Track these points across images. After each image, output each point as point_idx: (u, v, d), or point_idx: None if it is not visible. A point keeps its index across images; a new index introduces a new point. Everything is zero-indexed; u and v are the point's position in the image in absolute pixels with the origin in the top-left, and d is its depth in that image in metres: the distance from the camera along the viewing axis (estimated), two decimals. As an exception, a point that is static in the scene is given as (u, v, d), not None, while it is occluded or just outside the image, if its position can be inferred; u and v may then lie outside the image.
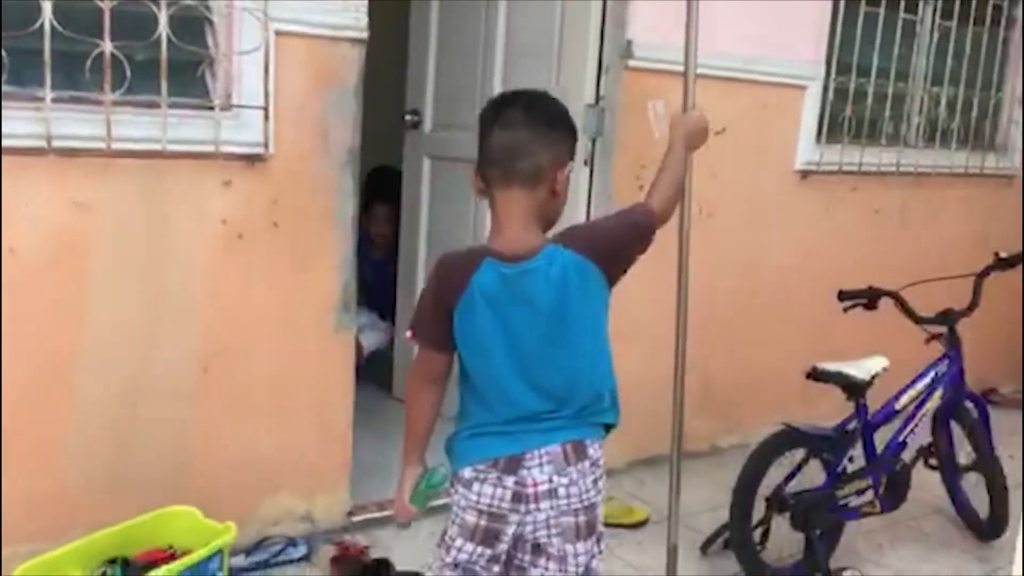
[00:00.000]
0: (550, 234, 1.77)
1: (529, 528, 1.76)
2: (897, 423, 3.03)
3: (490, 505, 1.75)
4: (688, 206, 2.57)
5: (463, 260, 1.73)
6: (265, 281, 2.70)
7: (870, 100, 3.96)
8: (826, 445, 2.91)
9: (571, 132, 1.80)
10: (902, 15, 3.96)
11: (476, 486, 1.75)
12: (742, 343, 3.84)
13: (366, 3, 2.71)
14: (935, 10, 4.10)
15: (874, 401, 2.97)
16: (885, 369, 2.94)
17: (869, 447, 2.96)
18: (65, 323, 2.45)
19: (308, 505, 2.90)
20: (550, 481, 1.73)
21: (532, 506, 1.74)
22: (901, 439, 3.02)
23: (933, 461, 3.15)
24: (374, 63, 2.82)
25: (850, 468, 2.92)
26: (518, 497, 1.73)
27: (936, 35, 4.14)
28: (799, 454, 2.93)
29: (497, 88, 3.55)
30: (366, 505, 3.05)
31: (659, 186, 1.98)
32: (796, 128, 3.77)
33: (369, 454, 3.13)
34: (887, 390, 3.01)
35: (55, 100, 2.28)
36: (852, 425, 2.93)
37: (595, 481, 1.78)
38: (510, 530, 1.77)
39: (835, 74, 3.81)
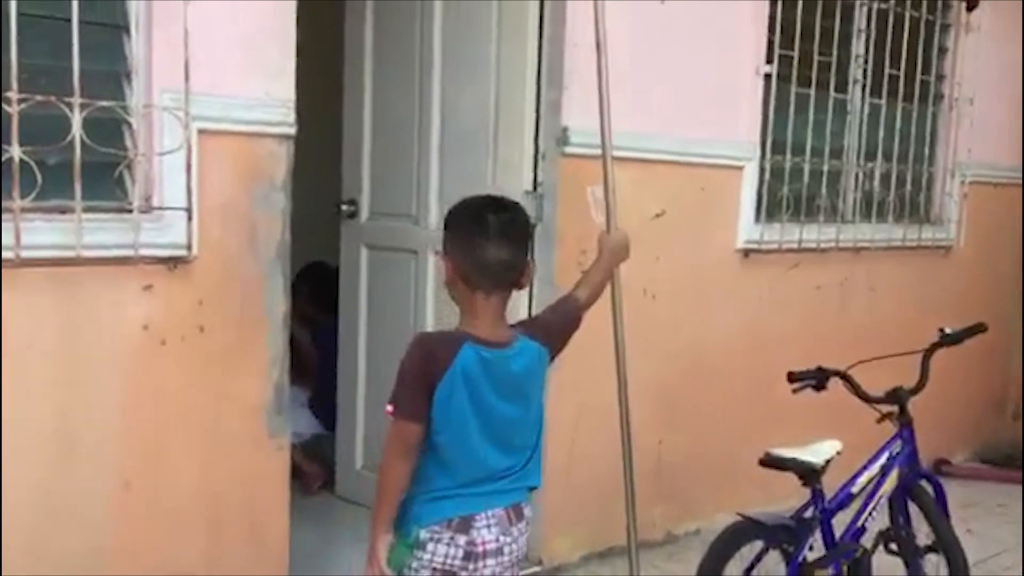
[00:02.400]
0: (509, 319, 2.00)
1: None
2: (855, 507, 2.93)
3: (443, 563, 1.91)
4: (620, 304, 2.80)
5: (446, 341, 1.90)
6: (191, 387, 2.55)
7: (806, 178, 3.97)
8: (784, 535, 2.80)
9: (531, 230, 2.08)
10: (833, 94, 3.99)
11: (430, 546, 1.91)
12: (693, 425, 3.75)
13: (293, 98, 2.63)
14: (864, 88, 4.14)
15: (829, 484, 2.87)
16: (839, 452, 2.86)
17: (828, 534, 2.85)
18: (-30, 445, 2.26)
19: (243, 629, 2.69)
20: (497, 540, 1.93)
21: (480, 563, 1.92)
22: (860, 524, 2.92)
23: (893, 545, 3.04)
24: (304, 152, 2.73)
25: (811, 557, 2.81)
26: (468, 556, 1.91)
27: (867, 112, 4.18)
28: (758, 545, 2.81)
29: (435, 176, 3.50)
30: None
31: (586, 286, 2.33)
32: (736, 208, 3.75)
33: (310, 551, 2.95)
34: (842, 473, 2.92)
35: (-43, 209, 2.14)
36: (809, 512, 2.83)
37: (526, 539, 2.02)
38: None
39: (771, 153, 3.81)
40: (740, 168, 3.73)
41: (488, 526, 1.92)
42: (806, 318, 4.05)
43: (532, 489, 2.03)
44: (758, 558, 2.81)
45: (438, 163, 3.49)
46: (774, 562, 2.82)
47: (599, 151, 3.18)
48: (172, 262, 2.46)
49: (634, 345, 3.43)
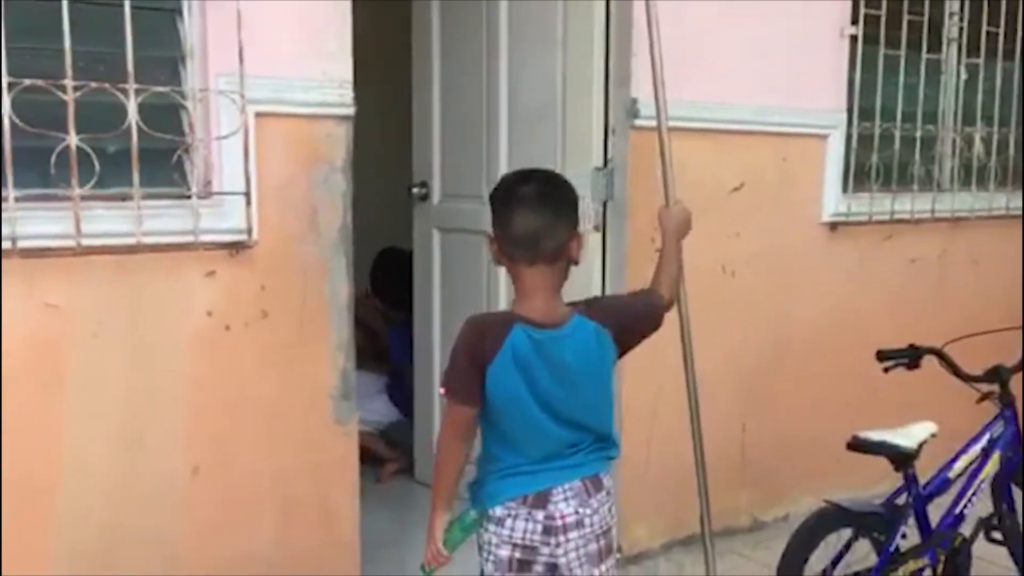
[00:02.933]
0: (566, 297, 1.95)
1: (561, 558, 1.93)
2: (952, 493, 2.74)
3: (523, 538, 1.92)
4: (684, 294, 2.65)
5: (497, 322, 1.90)
6: (256, 373, 2.53)
7: (898, 145, 3.73)
8: (875, 522, 2.63)
9: (576, 203, 1.96)
10: (925, 55, 3.74)
11: (508, 522, 1.92)
12: (779, 408, 3.59)
13: (351, 78, 2.58)
14: (960, 48, 3.88)
15: (925, 469, 2.69)
16: (934, 435, 2.68)
17: (923, 522, 2.68)
18: (43, 435, 2.28)
19: (314, 614, 2.68)
20: (576, 513, 1.92)
21: (561, 537, 1.91)
22: (958, 511, 2.74)
23: (996, 534, 2.84)
24: (375, 137, 2.69)
25: (904, 546, 2.64)
26: (548, 530, 1.91)
27: (964, 74, 3.92)
28: (846, 533, 2.65)
29: (504, 156, 3.43)
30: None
31: (661, 280, 2.23)
32: (820, 178, 3.56)
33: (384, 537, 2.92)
34: (938, 457, 2.74)
35: (20, 199, 2.14)
36: (902, 499, 2.66)
37: (609, 508, 1.99)
38: (542, 560, 1.93)
39: (858, 120, 3.60)
40: (825, 136, 3.54)
41: (566, 499, 1.91)
42: (900, 294, 3.83)
43: (611, 459, 2.02)
44: (847, 547, 2.65)
45: (507, 142, 3.40)
46: (864, 551, 2.66)
47: (671, 123, 3.09)
48: (233, 247, 2.44)
49: (713, 325, 3.33)
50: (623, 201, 3.15)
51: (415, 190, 3.72)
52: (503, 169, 3.40)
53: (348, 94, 2.57)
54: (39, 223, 2.18)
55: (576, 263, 1.94)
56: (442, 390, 1.92)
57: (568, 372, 1.89)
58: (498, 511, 1.92)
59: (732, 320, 3.40)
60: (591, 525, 1.94)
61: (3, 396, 2.21)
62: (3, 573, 2.22)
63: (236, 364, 2.50)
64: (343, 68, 2.56)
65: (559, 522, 1.91)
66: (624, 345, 1.99)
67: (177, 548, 2.46)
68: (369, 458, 3.76)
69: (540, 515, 1.90)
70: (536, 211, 1.86)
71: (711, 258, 3.31)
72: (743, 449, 3.52)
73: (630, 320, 2.02)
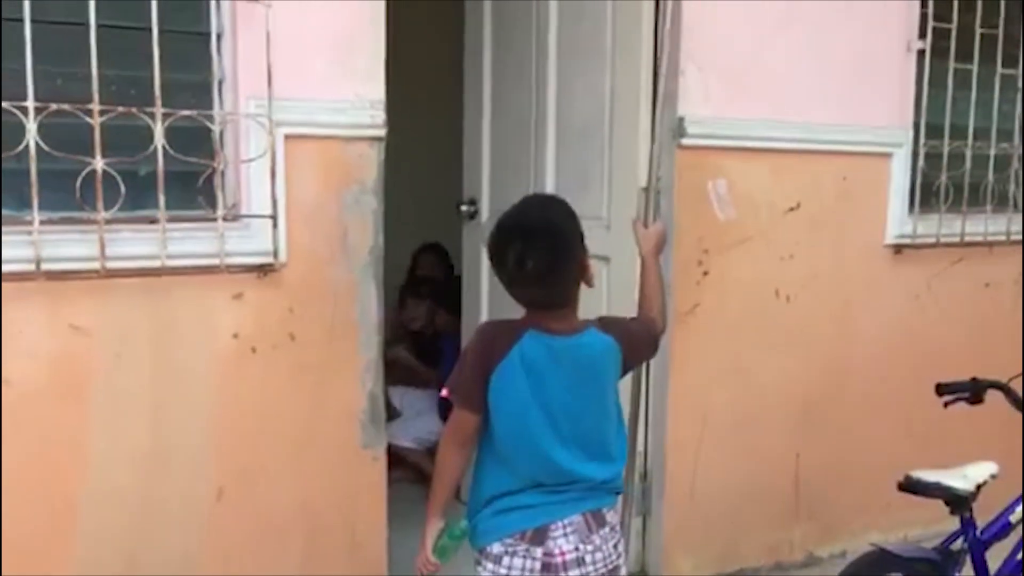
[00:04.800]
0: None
1: None
2: (1013, 539, 2.55)
3: None
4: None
5: (509, 328, 1.86)
6: (283, 397, 2.51)
7: (969, 163, 3.51)
8: (927, 569, 2.46)
9: (578, 231, 1.90)
10: (1000, 70, 3.52)
11: (506, 560, 1.85)
12: (836, 438, 3.41)
13: (383, 99, 2.54)
14: (1039, 61, 3.64)
15: (985, 511, 2.51)
16: (994, 476, 2.50)
17: (980, 569, 2.49)
18: (67, 456, 2.29)
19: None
20: (576, 549, 1.84)
21: (562, 574, 1.84)
22: (1019, 557, 2.53)
23: (1062, 584, 2.63)
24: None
25: (959, 595, 2.46)
26: (547, 567, 1.84)
27: (1043, 89, 3.67)
28: (896, 579, 2.48)
29: (550, 173, 3.36)
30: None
31: (651, 305, 2.14)
32: (883, 199, 3.37)
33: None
34: (1001, 498, 2.55)
35: (44, 222, 2.16)
36: (958, 544, 2.48)
37: (615, 545, 1.90)
38: None
39: (925, 138, 3.39)
40: (888, 155, 3.34)
41: (565, 535, 1.85)
42: (972, 321, 3.60)
43: (617, 493, 1.95)
44: (897, 593, 2.48)
45: (554, 159, 3.32)
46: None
47: (720, 142, 3.02)
48: (261, 270, 2.42)
49: (766, 350, 3.22)
50: (669, 222, 3.02)
51: (464, 207, 3.66)
52: (550, 186, 3.33)
53: (380, 115, 2.53)
54: (64, 246, 2.20)
55: (590, 285, 1.90)
56: (445, 391, 1.88)
57: (582, 378, 1.85)
58: (495, 548, 1.86)
59: (787, 345, 3.26)
60: (593, 563, 1.86)
61: (30, 418, 2.23)
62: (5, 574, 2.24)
63: (262, 387, 2.48)
64: (375, 88, 2.52)
65: (558, 559, 1.84)
66: (626, 365, 1.96)
67: (201, 572, 2.44)
68: (418, 476, 3.73)
69: (538, 552, 1.84)
70: (539, 275, 1.80)
71: (764, 281, 3.19)
72: (797, 480, 3.36)
73: (635, 343, 1.98)
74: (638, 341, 2.00)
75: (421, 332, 4.24)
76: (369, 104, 2.51)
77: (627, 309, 2.78)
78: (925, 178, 3.44)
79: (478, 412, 1.85)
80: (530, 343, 1.82)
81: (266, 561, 2.52)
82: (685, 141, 2.96)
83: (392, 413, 3.59)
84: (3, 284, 2.14)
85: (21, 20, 2.09)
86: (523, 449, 1.84)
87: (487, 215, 3.63)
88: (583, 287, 1.92)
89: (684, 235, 3.03)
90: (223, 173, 2.36)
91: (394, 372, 3.73)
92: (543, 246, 1.81)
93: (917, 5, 3.31)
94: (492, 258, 1.88)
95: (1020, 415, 2.57)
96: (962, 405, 2.64)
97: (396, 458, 3.58)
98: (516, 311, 1.94)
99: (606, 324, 1.94)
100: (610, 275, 3.05)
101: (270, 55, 2.33)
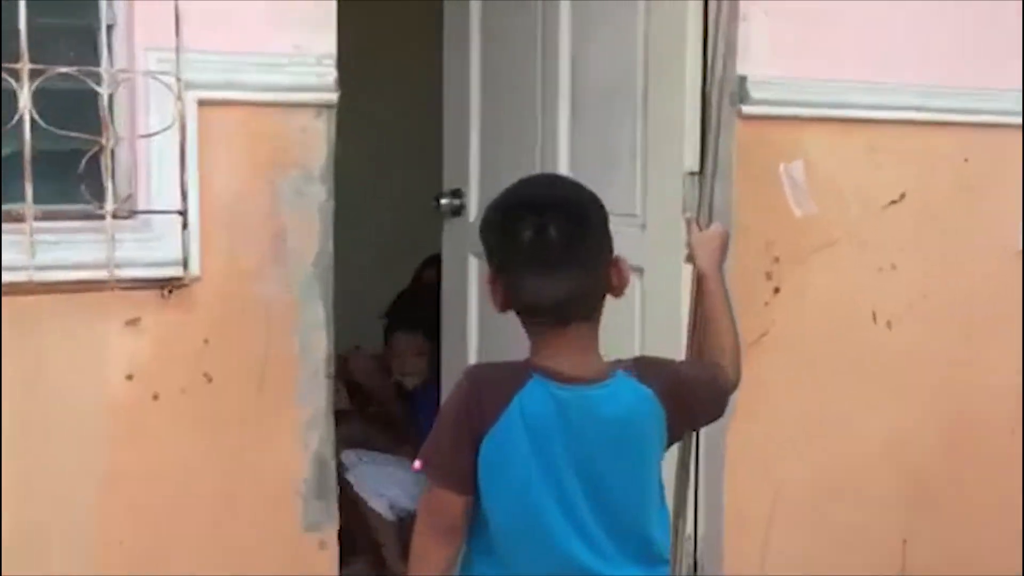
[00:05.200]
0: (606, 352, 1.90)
1: None
2: None
3: None
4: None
5: (505, 374, 1.85)
6: (195, 461, 2.51)
7: None
8: None
9: (606, 219, 1.92)
10: None
11: None
12: (956, 513, 3.43)
13: (334, 52, 2.54)
14: None
15: None
16: None
17: None
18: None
19: None
20: None
21: None
22: None
23: None
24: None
25: None
26: None
27: None
28: None
29: (563, 155, 3.41)
30: None
31: (716, 342, 2.11)
32: (1019, 188, 3.37)
33: None
34: None
35: None
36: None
37: None
38: None
39: (1075, 107, 3.40)
40: (1024, 129, 3.38)
41: None
42: None
43: None
44: None
45: (567, 136, 3.36)
46: None
47: (795, 110, 3.07)
48: (164, 285, 2.42)
49: (860, 397, 3.26)
50: (727, 216, 3.02)
51: (444, 201, 3.74)
52: (563, 172, 3.33)
53: (330, 73, 2.53)
54: None
55: (619, 294, 1.90)
56: (417, 463, 1.87)
57: (608, 442, 1.82)
58: None
59: (888, 389, 3.28)
60: None
61: None
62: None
63: (167, 447, 2.49)
64: (324, 39, 2.52)
65: None
66: (674, 429, 1.93)
67: None
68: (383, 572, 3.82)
69: None
70: (558, 271, 1.80)
71: (856, 300, 3.20)
72: (903, 572, 3.37)
73: (691, 398, 1.95)
74: (693, 396, 1.96)
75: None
76: (315, 59, 2.50)
77: (668, 344, 2.78)
78: (1076, 161, 3.44)
79: (463, 492, 1.84)
80: (534, 395, 1.81)
81: None
82: (747, 109, 2.96)
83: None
84: None
85: None
86: (528, 543, 1.83)
87: (476, 211, 3.67)
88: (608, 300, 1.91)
89: (746, 238, 3.02)
90: (113, 153, 2.36)
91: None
92: (567, 215, 1.82)
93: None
94: (494, 238, 1.88)
95: None
96: None
97: (355, 527, 3.57)
98: (516, 342, 1.91)
99: (643, 368, 1.91)
100: (644, 292, 3.05)
101: (178, -8, 2.35)
